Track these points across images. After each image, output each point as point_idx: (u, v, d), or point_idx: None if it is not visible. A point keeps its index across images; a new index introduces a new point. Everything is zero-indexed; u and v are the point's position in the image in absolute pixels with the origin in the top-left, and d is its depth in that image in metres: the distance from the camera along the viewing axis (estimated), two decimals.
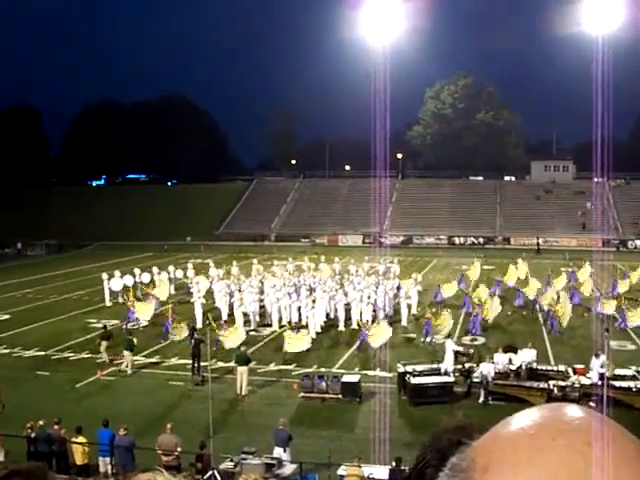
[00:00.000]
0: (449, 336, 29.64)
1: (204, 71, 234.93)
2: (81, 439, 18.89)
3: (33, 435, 19.15)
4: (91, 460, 19.08)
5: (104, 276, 43.08)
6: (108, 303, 42.21)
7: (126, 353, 28.76)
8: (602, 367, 24.83)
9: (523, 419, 0.99)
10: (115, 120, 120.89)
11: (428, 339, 32.30)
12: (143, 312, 36.02)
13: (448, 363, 26.35)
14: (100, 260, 61.66)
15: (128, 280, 42.99)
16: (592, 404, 22.39)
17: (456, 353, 27.06)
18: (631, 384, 23.90)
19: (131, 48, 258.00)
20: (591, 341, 28.80)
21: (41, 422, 19.35)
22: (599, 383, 23.61)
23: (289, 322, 34.31)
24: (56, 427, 19.18)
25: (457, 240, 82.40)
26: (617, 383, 23.90)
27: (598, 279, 44.04)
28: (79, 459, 18.86)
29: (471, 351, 27.25)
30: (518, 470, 0.91)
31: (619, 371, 25.46)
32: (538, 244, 74.58)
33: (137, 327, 35.84)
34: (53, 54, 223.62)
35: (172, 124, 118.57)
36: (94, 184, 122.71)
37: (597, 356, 25.18)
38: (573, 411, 1.00)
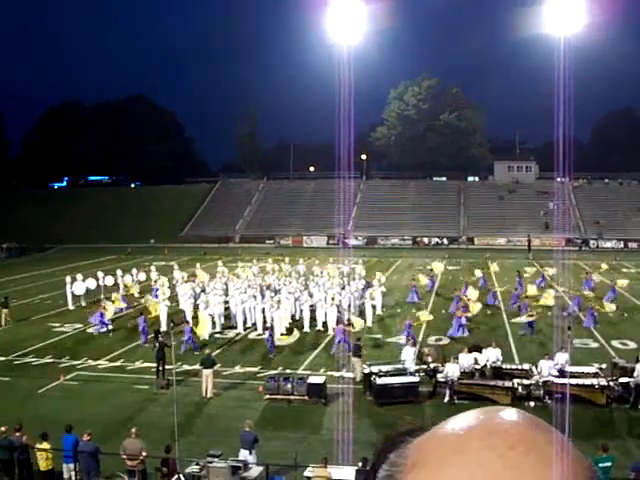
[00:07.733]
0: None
1: (168, 72, 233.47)
2: (45, 445, 18.60)
3: None
4: (55, 467, 18.82)
5: (67, 279, 42.67)
6: (71, 307, 41.74)
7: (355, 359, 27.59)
8: (564, 364, 25.18)
9: (458, 420, 1.02)
10: (78, 121, 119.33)
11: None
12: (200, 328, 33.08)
13: (408, 365, 26.32)
14: (63, 263, 61.09)
15: (91, 283, 42.69)
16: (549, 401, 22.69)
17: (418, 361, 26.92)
18: (594, 381, 24.16)
19: (95, 49, 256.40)
20: (554, 339, 29.06)
21: (2, 428, 19.01)
22: (560, 381, 23.83)
23: (254, 324, 34.18)
24: (18, 434, 18.86)
25: (423, 240, 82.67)
26: (580, 380, 24.15)
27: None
28: (43, 466, 18.58)
29: (430, 359, 27.00)
30: (441, 469, 0.93)
31: (582, 368, 25.73)
32: (529, 243, 73.12)
33: (106, 332, 35.50)
34: (16, 54, 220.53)
35: (136, 125, 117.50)
36: (55, 186, 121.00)
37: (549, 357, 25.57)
38: (506, 414, 1.02)
